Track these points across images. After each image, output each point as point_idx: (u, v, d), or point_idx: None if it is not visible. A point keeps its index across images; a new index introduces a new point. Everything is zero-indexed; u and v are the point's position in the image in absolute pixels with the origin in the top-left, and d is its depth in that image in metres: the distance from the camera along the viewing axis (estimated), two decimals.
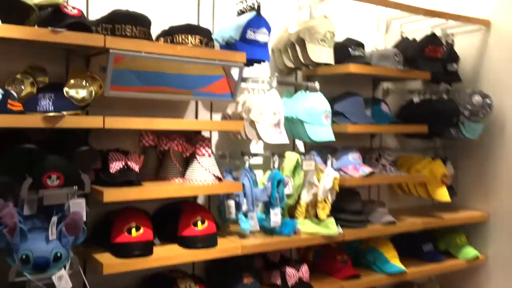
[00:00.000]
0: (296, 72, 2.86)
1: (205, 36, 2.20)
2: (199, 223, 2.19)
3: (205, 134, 2.53)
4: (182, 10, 2.44)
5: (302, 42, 2.54)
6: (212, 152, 2.26)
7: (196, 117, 2.52)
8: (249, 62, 2.45)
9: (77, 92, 1.91)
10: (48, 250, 1.81)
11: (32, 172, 1.80)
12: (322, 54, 2.51)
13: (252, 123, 2.38)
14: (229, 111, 2.51)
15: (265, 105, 2.36)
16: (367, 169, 2.68)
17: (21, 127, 1.74)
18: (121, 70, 1.91)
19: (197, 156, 2.20)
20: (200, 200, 2.55)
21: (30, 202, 1.85)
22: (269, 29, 2.40)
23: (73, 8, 1.89)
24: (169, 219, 2.25)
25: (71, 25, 1.82)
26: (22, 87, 1.87)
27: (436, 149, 3.46)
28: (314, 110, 2.46)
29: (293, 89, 2.78)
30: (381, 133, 3.27)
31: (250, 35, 2.33)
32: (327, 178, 2.53)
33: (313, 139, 2.45)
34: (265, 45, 2.39)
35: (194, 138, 2.26)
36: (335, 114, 2.74)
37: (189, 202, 2.33)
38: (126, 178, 1.99)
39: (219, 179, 2.24)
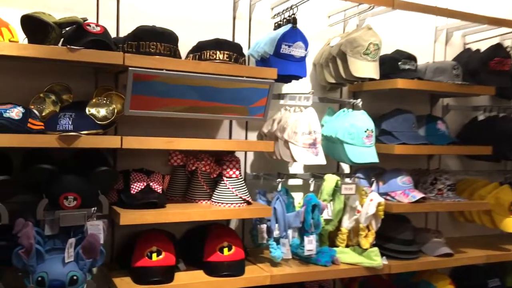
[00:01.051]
0: (341, 89, 2.68)
1: (234, 51, 2.09)
2: (225, 249, 2.06)
3: (239, 154, 2.42)
4: (217, 25, 2.35)
5: (343, 56, 2.36)
6: (240, 174, 2.12)
7: (230, 135, 2.41)
8: (286, 78, 2.31)
9: (98, 110, 1.87)
10: (64, 273, 1.77)
11: (49, 193, 1.77)
12: (364, 68, 2.31)
13: (286, 143, 2.23)
14: (265, 129, 2.38)
15: (299, 123, 2.20)
16: (417, 195, 2.42)
17: (38, 146, 1.72)
18: (153, 82, 1.84)
19: (224, 178, 2.08)
20: (233, 223, 2.43)
21: (51, 222, 1.82)
22: (306, 43, 2.25)
23: (96, 25, 1.86)
24: (196, 243, 2.15)
25: (92, 43, 1.79)
26: (44, 106, 1.86)
27: (506, 172, 3.09)
28: (355, 129, 2.26)
29: (338, 106, 2.59)
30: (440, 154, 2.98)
31: (284, 49, 2.19)
32: (370, 204, 2.31)
33: (353, 160, 2.25)
34: (301, 60, 2.24)
35: (223, 158, 2.14)
36: (383, 133, 2.52)
37: (217, 226, 2.21)
38: (147, 200, 1.91)
39: (248, 203, 2.11)
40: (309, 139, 2.20)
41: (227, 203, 2.06)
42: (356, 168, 2.65)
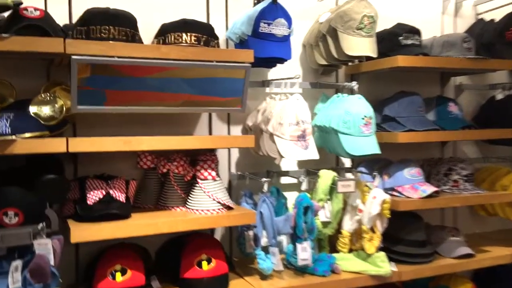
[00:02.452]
0: (337, 72, 2.36)
1: (204, 33, 1.80)
2: (204, 262, 1.78)
3: (222, 151, 2.13)
4: (188, 6, 2.05)
5: (334, 33, 2.04)
6: (218, 175, 1.83)
7: (210, 131, 2.12)
8: (269, 62, 2.01)
9: (40, 109, 1.59)
10: None
11: None
12: (358, 45, 1.99)
13: (271, 136, 1.92)
14: (249, 122, 2.08)
15: (285, 113, 1.89)
16: (429, 189, 2.09)
17: None
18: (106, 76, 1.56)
19: (198, 180, 1.79)
20: (218, 230, 2.13)
21: None
22: (289, 19, 1.94)
23: (36, 9, 1.59)
24: (173, 256, 1.86)
25: (26, 29, 1.51)
26: None
27: None
28: (350, 116, 1.95)
29: (334, 92, 2.27)
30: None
31: (263, 28, 1.89)
32: (373, 202, 1.99)
33: (349, 152, 1.94)
34: (283, 39, 1.93)
35: (197, 158, 1.85)
36: (385, 119, 2.20)
37: (196, 235, 1.92)
38: (106, 211, 1.63)
39: (228, 208, 1.81)
40: (297, 130, 1.89)
41: (202, 209, 1.76)
42: (359, 161, 2.34)
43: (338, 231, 2.12)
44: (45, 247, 1.55)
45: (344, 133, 1.95)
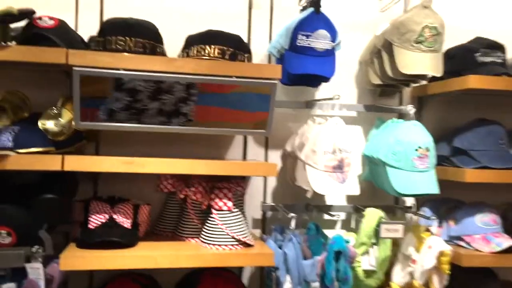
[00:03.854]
0: (401, 94, 2.02)
1: (230, 45, 1.60)
2: None
3: (257, 179, 1.90)
4: (227, 17, 1.88)
5: (389, 47, 1.73)
6: (236, 205, 1.60)
7: (244, 154, 1.91)
8: (312, 80, 1.76)
9: (49, 123, 1.51)
10: None
11: None
12: (416, 62, 1.66)
13: (304, 165, 1.66)
14: (288, 147, 1.84)
15: (319, 139, 1.63)
16: (505, 242, 1.68)
17: None
18: None
19: (213, 210, 1.58)
20: (247, 268, 1.90)
21: None
22: (332, 31, 1.68)
23: (50, 18, 1.52)
24: None
25: (35, 38, 1.44)
26: None
27: None
28: (401, 146, 1.62)
29: (397, 117, 1.94)
30: None
31: (301, 40, 1.65)
32: (427, 253, 1.63)
33: (398, 190, 1.60)
34: (325, 54, 1.67)
35: (216, 185, 1.65)
36: (456, 152, 1.82)
37: (215, 272, 1.70)
38: (105, 238, 1.48)
39: (245, 244, 1.58)
40: (333, 160, 1.61)
41: (214, 244, 1.55)
42: (424, 200, 1.97)
43: (386, 283, 1.78)
44: (37, 272, 1.44)
45: (393, 167, 1.63)
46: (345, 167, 1.63)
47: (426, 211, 1.90)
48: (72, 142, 1.58)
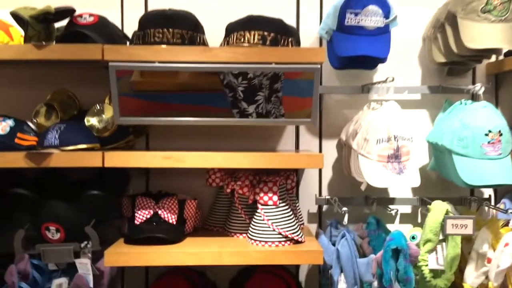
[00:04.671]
0: (474, 71, 1.80)
1: (271, 30, 1.50)
2: None
3: (312, 170, 1.79)
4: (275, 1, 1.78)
5: (453, 20, 1.53)
6: (282, 199, 1.51)
7: (297, 145, 1.80)
8: (366, 63, 1.62)
9: (88, 120, 1.52)
10: None
11: (32, 222, 1.48)
12: (483, 34, 1.45)
13: (356, 155, 1.53)
14: (343, 135, 1.71)
15: (373, 126, 1.48)
16: None
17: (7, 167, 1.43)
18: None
19: (258, 205, 1.50)
20: (305, 265, 1.80)
21: None
22: (384, 6, 1.53)
23: (90, 15, 1.52)
24: None
25: (73, 36, 1.45)
26: (37, 119, 1.59)
27: None
28: (468, 131, 1.42)
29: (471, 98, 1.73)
30: None
31: (349, 19, 1.52)
32: (503, 251, 1.43)
33: (465, 181, 1.41)
34: (376, 32, 1.52)
35: (261, 178, 1.56)
36: None
37: (265, 268, 1.63)
38: (150, 234, 1.46)
39: (294, 241, 1.48)
40: (388, 148, 1.46)
41: (260, 240, 1.47)
42: (505, 191, 1.75)
43: (457, 284, 1.60)
44: (85, 267, 1.46)
45: (459, 154, 1.44)
46: (402, 156, 1.47)
47: (505, 203, 1.67)
48: (118, 138, 1.58)
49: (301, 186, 1.80)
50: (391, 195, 1.80)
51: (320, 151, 1.80)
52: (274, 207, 1.48)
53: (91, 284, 1.46)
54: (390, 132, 1.46)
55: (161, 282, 1.57)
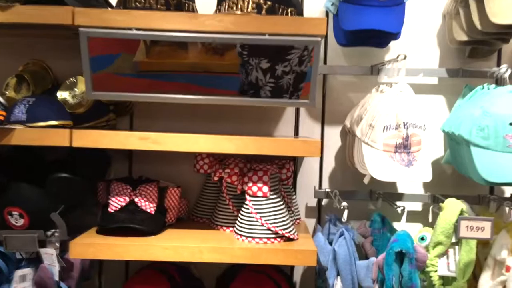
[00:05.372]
0: (499, 52, 1.59)
1: None
2: None
3: (313, 160, 1.62)
4: None
5: None
6: (274, 190, 1.33)
7: (296, 131, 1.62)
8: (375, 38, 1.43)
9: (61, 94, 1.36)
10: None
11: None
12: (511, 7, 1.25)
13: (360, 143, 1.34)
14: (347, 122, 1.52)
15: (379, 111, 1.29)
16: None
17: None
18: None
19: (247, 196, 1.33)
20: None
21: None
22: None
23: None
24: None
25: None
26: (6, 92, 1.43)
27: None
28: (490, 120, 1.23)
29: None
30: None
31: None
32: None
33: (484, 177, 1.22)
34: (389, 3, 1.33)
35: (252, 166, 1.39)
36: None
37: (252, 268, 1.46)
38: (123, 223, 1.30)
39: (285, 238, 1.31)
40: (396, 137, 1.27)
41: (247, 236, 1.30)
42: None
43: None
44: (51, 258, 1.31)
45: (478, 146, 1.24)
46: (412, 146, 1.28)
47: None
48: (95, 116, 1.43)
49: (299, 176, 1.63)
50: (400, 190, 1.62)
51: (322, 138, 1.61)
52: (264, 199, 1.31)
53: (57, 277, 1.31)
54: (399, 118, 1.27)
55: (136, 278, 1.41)
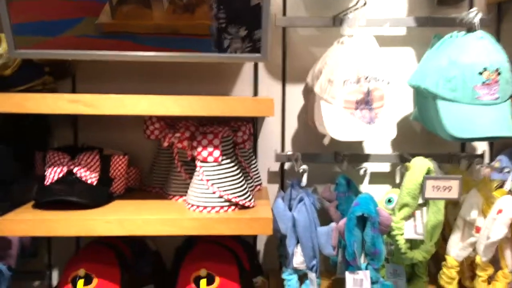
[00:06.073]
0: (471, 1, 1.48)
1: None
2: (202, 281, 1.22)
3: (274, 122, 1.50)
4: None
5: None
6: (227, 155, 1.22)
7: (255, 91, 1.50)
8: None
9: None
10: None
11: None
12: None
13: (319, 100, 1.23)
14: (309, 79, 1.40)
15: (338, 64, 1.17)
16: None
17: None
18: None
19: (197, 162, 1.22)
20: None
21: None
22: None
23: None
24: (179, 262, 1.35)
25: None
26: None
27: None
28: (457, 70, 1.12)
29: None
30: None
31: None
32: (495, 219, 1.16)
33: (451, 132, 1.12)
34: None
35: (201, 129, 1.27)
36: None
37: (210, 238, 1.36)
38: (59, 196, 1.18)
39: (240, 206, 1.21)
40: (357, 92, 1.16)
41: (198, 205, 1.19)
42: (501, 145, 1.47)
43: (440, 255, 1.34)
44: None
45: (445, 99, 1.14)
46: (374, 101, 1.17)
47: (502, 160, 1.39)
48: (28, 78, 1.29)
49: (259, 140, 1.52)
50: (367, 151, 1.52)
51: (284, 98, 1.50)
52: (215, 164, 1.20)
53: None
54: (360, 72, 1.16)
55: (82, 255, 1.30)
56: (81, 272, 1.23)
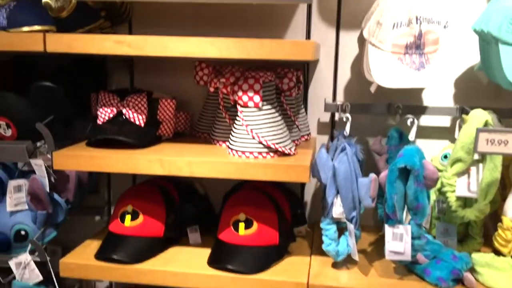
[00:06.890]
0: None
1: None
2: (241, 224, 1.24)
3: (326, 68, 1.45)
4: None
5: None
6: (268, 100, 1.20)
7: (308, 36, 1.45)
8: None
9: None
10: (8, 225, 1.32)
11: None
12: None
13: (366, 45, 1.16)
14: (364, 23, 1.32)
15: (388, 5, 1.09)
16: None
17: None
18: None
19: (238, 107, 1.21)
20: (311, 185, 1.52)
21: None
22: None
23: None
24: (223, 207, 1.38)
25: None
26: None
27: None
28: None
29: None
30: None
31: None
32: None
33: (510, 78, 1.01)
34: None
35: (244, 74, 1.25)
36: None
37: (254, 185, 1.37)
38: (108, 135, 1.24)
39: (280, 153, 1.19)
40: (407, 35, 1.08)
41: (238, 150, 1.20)
42: None
43: (495, 216, 1.25)
44: (40, 169, 1.29)
45: (507, 43, 1.02)
46: (426, 46, 1.08)
47: None
48: (83, 22, 1.34)
49: (310, 88, 1.48)
50: (425, 103, 1.42)
51: (337, 45, 1.43)
52: (255, 109, 1.18)
53: (48, 188, 1.28)
54: (412, 13, 1.06)
55: (131, 192, 1.37)
56: (129, 208, 1.30)
